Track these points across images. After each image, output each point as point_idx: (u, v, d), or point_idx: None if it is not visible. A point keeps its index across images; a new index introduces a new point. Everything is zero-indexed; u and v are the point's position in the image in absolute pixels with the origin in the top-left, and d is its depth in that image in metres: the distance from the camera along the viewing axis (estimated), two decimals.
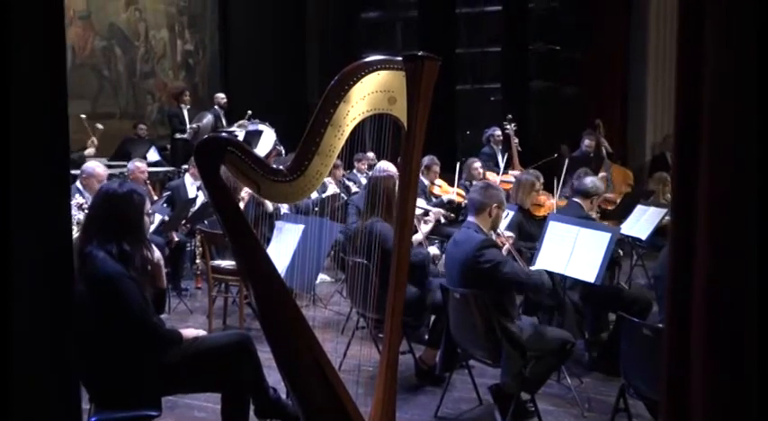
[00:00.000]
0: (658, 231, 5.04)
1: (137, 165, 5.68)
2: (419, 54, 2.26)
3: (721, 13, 1.03)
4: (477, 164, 6.73)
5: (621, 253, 4.93)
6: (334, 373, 2.39)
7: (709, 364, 1.07)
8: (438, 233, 5.55)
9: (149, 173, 6.75)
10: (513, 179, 6.21)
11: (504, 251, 3.22)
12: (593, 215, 4.69)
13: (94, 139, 6.78)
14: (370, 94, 2.29)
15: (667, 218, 5.27)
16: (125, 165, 6.10)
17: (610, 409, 2.84)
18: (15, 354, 1.36)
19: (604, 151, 8.16)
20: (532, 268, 3.36)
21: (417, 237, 4.05)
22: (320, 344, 2.39)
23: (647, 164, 9.38)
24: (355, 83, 2.27)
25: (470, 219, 3.22)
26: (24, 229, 1.37)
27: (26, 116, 1.38)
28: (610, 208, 6.45)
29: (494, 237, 3.25)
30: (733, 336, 1.04)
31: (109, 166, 6.63)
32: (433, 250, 4.15)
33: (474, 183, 4.17)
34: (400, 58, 2.29)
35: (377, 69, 2.29)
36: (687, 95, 1.12)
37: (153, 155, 7.54)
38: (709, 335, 1.07)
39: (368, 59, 2.32)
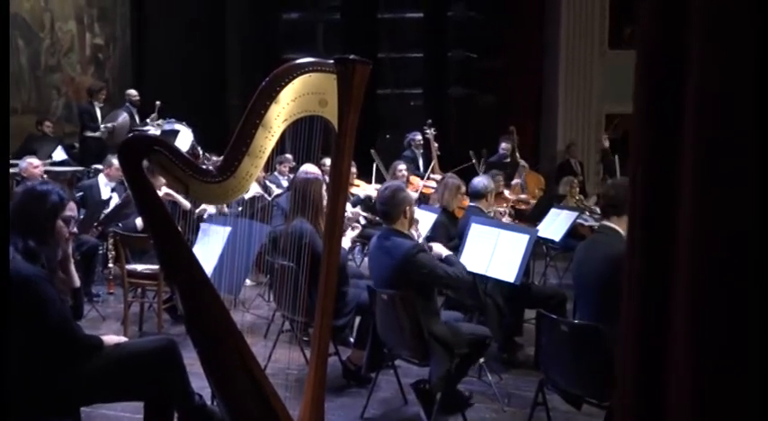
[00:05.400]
0: (570, 233, 5.32)
1: (29, 161, 5.37)
2: (350, 57, 2.28)
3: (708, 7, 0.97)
4: (402, 166, 6.81)
5: None
6: (262, 375, 2.36)
7: (693, 368, 1.01)
8: (359, 235, 5.57)
9: (57, 172, 6.38)
10: (434, 184, 6.33)
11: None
12: (502, 214, 4.88)
13: None
14: (301, 95, 2.29)
15: (579, 220, 5.57)
16: None
17: (529, 403, 2.95)
18: None
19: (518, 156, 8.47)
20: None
21: (344, 242, 4.05)
22: (248, 346, 2.36)
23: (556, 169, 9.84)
24: (287, 84, 2.27)
25: (387, 226, 3.22)
26: None
27: None
28: (523, 207, 6.72)
29: (414, 233, 3.32)
30: (720, 335, 0.98)
31: (11, 165, 6.24)
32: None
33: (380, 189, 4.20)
34: (332, 61, 2.30)
35: (308, 71, 2.29)
36: (654, 82, 1.06)
37: (60, 153, 7.13)
38: (693, 335, 1.00)
39: (299, 61, 2.32)
